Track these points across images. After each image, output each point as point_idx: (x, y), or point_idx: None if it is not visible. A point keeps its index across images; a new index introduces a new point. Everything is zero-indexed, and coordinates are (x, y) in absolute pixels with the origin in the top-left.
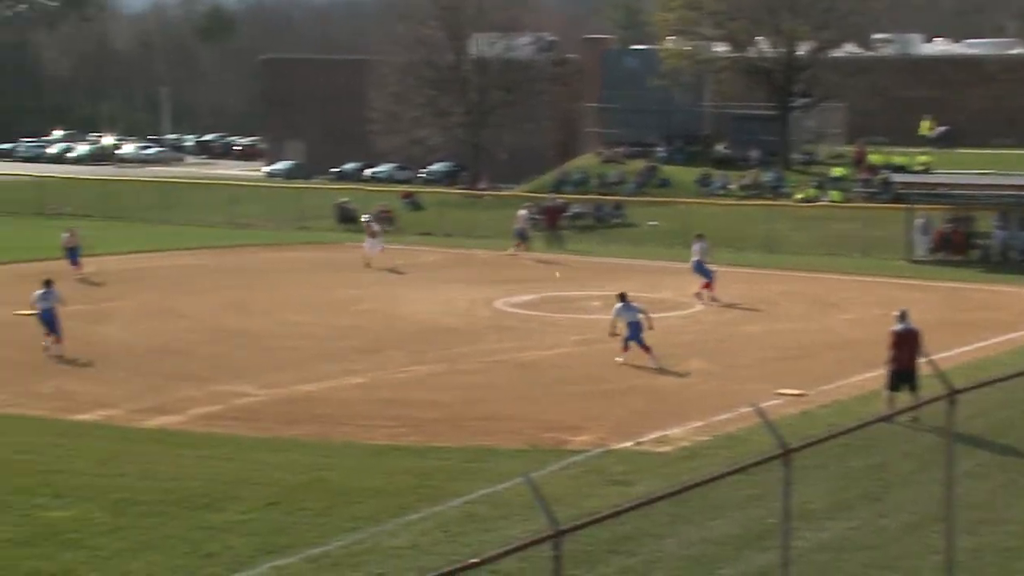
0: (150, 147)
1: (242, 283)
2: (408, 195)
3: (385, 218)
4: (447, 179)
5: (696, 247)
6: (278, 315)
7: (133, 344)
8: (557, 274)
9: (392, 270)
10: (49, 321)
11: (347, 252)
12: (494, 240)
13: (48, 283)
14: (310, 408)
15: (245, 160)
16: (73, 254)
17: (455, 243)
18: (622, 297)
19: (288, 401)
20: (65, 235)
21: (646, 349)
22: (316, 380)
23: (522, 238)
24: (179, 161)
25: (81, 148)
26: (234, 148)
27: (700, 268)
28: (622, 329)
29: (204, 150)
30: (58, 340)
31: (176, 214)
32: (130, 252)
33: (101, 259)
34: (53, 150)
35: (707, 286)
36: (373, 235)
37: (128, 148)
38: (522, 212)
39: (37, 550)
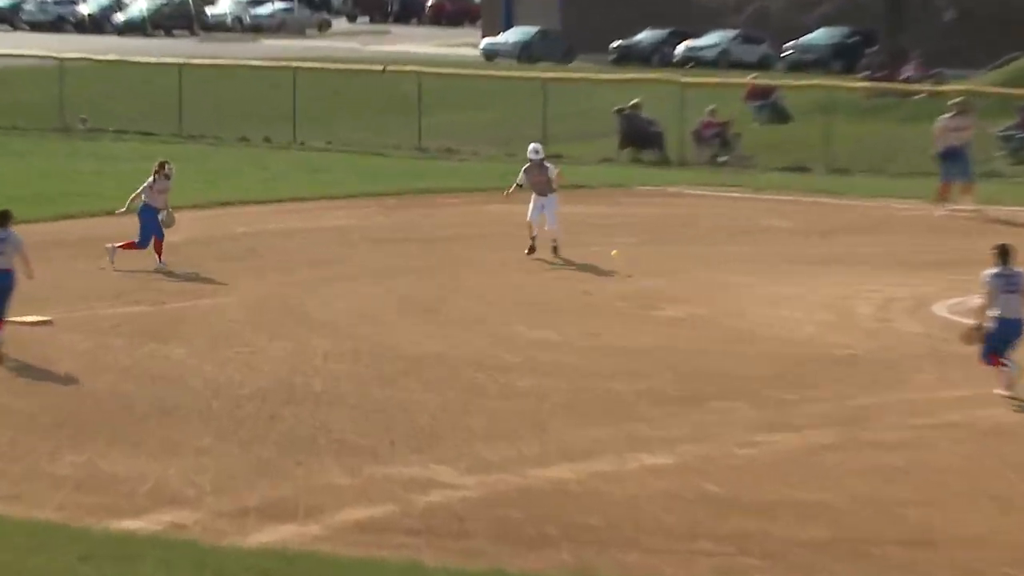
0: (266, 2)
1: (431, 261)
2: (761, 93)
3: (712, 136)
4: (836, 61)
5: None
6: (497, 325)
7: (226, 380)
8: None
9: (562, 260)
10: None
11: (641, 203)
12: (930, 180)
13: (5, 217)
14: (561, 514)
15: (444, 27)
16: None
17: (851, 187)
18: (1002, 255)
19: (518, 499)
20: (152, 181)
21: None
22: (573, 458)
23: (956, 172)
24: (322, 30)
25: (137, 6)
26: (423, 5)
27: None
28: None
29: (368, 8)
30: None
31: (315, 130)
32: (230, 204)
33: (180, 216)
34: (85, 9)
35: None
36: (544, 188)
37: (223, 4)
38: (946, 122)
39: None
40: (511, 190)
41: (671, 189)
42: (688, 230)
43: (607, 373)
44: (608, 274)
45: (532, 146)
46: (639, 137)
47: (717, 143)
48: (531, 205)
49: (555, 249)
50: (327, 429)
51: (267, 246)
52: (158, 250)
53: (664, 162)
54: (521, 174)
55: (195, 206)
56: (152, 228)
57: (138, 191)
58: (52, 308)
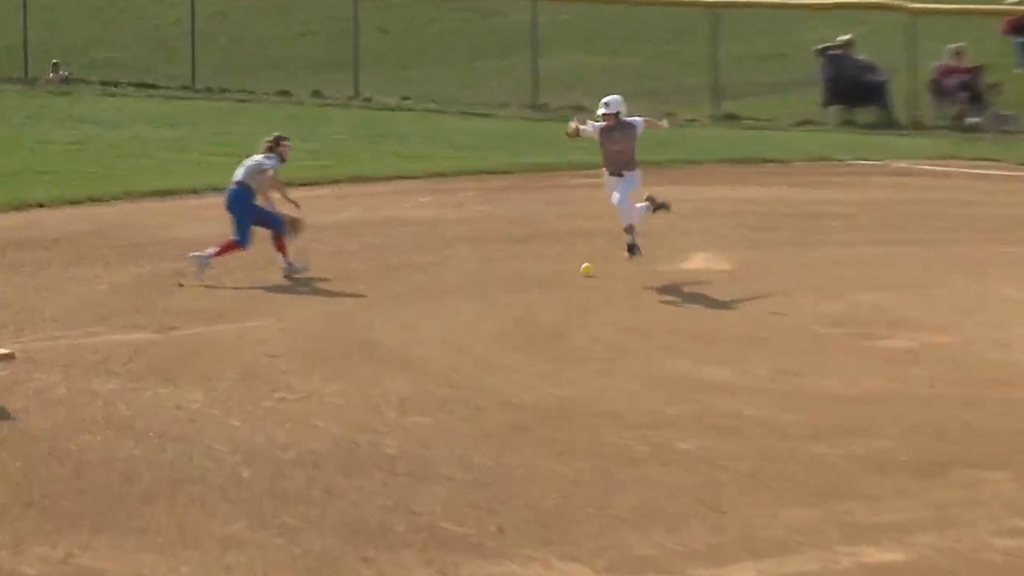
0: None
1: (554, 269)
2: None
3: (957, 87)
4: None
5: None
6: (649, 361)
7: (263, 440)
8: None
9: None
10: None
11: (856, 183)
12: None
13: None
14: None
15: None
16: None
17: None
18: None
19: None
20: (269, 160)
21: None
22: (760, 552)
23: None
24: None
25: None
26: None
27: None
28: None
29: None
30: None
31: (384, 81)
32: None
33: (194, 203)
34: None
35: None
36: (622, 163)
37: None
38: None
39: None
40: (572, 130)
41: (898, 163)
42: (923, 222)
43: (808, 431)
44: (808, 288)
45: (607, 99)
46: (852, 89)
47: (965, 97)
48: (615, 198)
49: (631, 248)
50: (407, 510)
51: (318, 246)
52: (225, 248)
53: (888, 124)
54: (596, 131)
55: (215, 188)
56: (250, 217)
57: (266, 167)
58: (14, 336)
